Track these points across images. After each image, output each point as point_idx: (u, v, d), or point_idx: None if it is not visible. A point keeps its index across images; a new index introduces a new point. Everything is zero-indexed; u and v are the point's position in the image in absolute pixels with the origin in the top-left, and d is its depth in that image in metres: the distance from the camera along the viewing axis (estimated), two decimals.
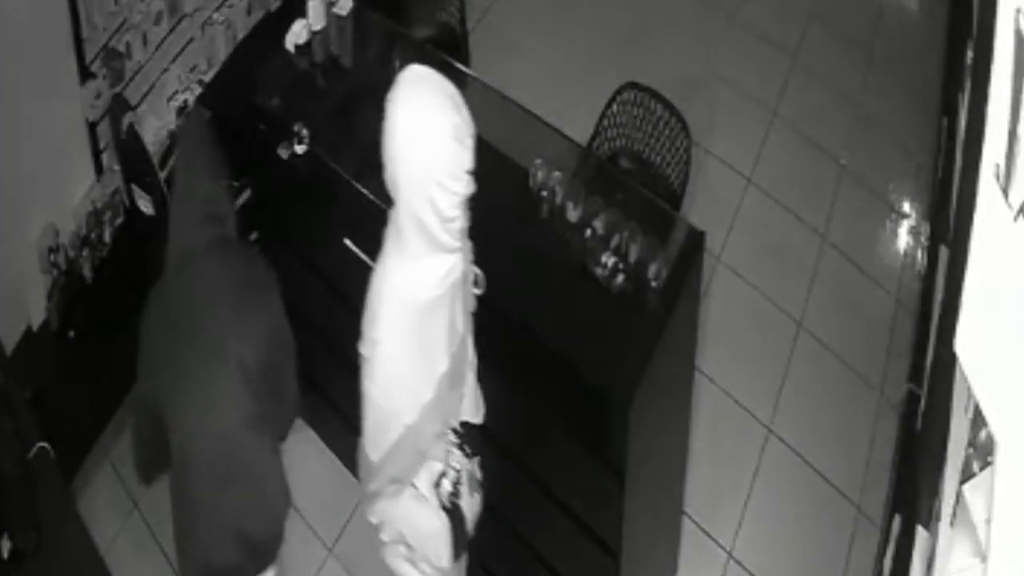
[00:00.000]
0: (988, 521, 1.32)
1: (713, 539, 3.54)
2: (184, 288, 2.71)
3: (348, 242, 3.03)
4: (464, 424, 2.52)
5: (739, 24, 5.01)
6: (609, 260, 2.67)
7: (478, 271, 2.42)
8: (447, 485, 2.46)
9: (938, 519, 1.80)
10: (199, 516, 2.64)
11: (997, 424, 1.26)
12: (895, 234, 4.42)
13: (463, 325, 2.33)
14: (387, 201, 2.21)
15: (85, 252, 3.42)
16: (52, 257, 3.25)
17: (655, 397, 2.66)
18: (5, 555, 2.48)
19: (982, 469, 1.45)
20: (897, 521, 2.70)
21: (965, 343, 1.33)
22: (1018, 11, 1.18)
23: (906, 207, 4.46)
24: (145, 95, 3.43)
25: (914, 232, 4.37)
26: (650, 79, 3.49)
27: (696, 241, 2.74)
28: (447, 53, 3.37)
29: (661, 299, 2.63)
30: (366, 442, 2.36)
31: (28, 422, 2.68)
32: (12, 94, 2.88)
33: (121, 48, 3.27)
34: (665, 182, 3.37)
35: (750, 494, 3.64)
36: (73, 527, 2.91)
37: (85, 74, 3.16)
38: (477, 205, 2.13)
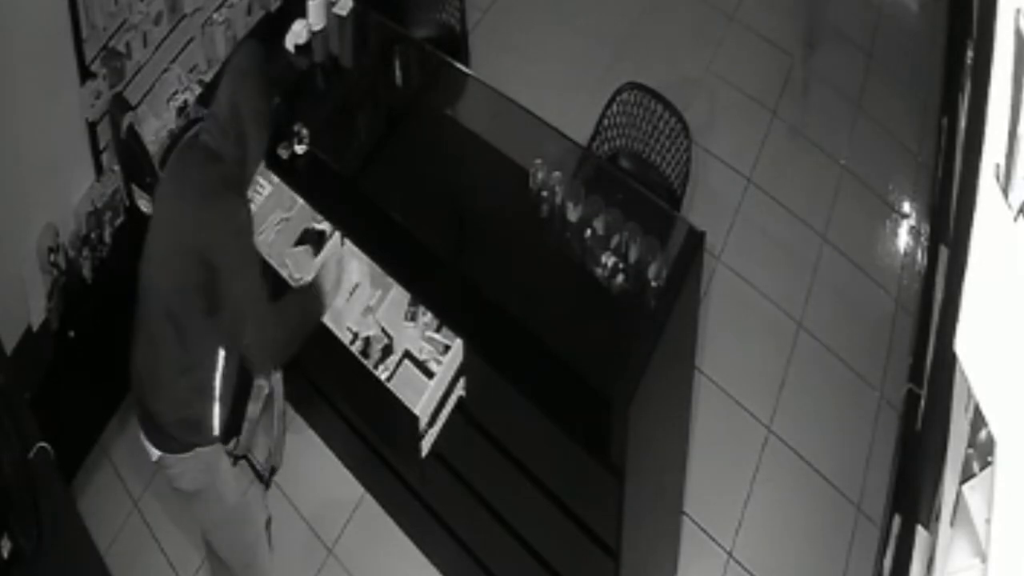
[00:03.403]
0: (988, 521, 1.32)
1: (713, 539, 3.54)
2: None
3: (348, 241, 3.03)
4: None
5: (739, 24, 5.01)
6: (609, 260, 2.67)
7: None
8: None
9: (938, 519, 1.80)
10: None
11: (997, 424, 1.26)
12: (895, 234, 4.41)
13: None
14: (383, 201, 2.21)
15: (85, 252, 3.42)
16: (52, 257, 3.25)
17: (655, 397, 2.66)
18: (5, 555, 2.48)
19: (982, 469, 1.45)
20: (897, 521, 2.69)
21: (965, 343, 1.33)
22: (1018, 11, 1.18)
23: (906, 207, 4.46)
24: (145, 95, 3.44)
25: (914, 232, 4.37)
26: (650, 79, 3.49)
27: (696, 241, 2.74)
28: (447, 53, 3.37)
29: (661, 299, 2.63)
30: None
31: (28, 422, 2.68)
32: (12, 94, 2.89)
33: (121, 48, 3.27)
34: (665, 182, 3.37)
35: (750, 494, 3.64)
36: (73, 527, 2.91)
37: (85, 74, 3.17)
38: (477, 205, 2.14)
